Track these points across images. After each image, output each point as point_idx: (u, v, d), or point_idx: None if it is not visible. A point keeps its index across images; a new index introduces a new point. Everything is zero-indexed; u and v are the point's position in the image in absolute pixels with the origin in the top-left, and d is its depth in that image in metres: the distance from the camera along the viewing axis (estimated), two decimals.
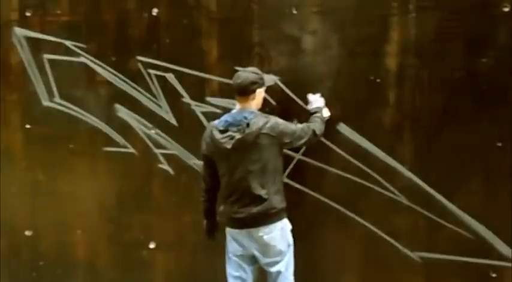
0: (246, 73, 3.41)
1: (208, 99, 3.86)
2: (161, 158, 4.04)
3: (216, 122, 3.44)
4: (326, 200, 3.71)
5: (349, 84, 3.62)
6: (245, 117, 3.34)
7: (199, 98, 3.91)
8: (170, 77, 3.94)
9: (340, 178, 3.67)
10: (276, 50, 3.73)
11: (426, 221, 3.52)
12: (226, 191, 3.43)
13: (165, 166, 4.04)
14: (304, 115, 3.62)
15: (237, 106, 3.44)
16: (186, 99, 3.93)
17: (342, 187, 3.70)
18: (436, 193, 3.52)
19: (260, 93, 3.48)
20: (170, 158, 4.03)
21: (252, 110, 3.39)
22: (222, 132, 3.37)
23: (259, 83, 3.41)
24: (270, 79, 3.71)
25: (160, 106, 4.00)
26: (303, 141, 3.46)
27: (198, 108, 3.92)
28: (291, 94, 3.72)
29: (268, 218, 3.36)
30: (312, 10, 3.72)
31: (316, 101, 3.64)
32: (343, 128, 3.63)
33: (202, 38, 3.87)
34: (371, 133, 3.63)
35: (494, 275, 3.40)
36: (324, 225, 3.74)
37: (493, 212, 3.39)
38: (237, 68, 3.76)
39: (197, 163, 3.95)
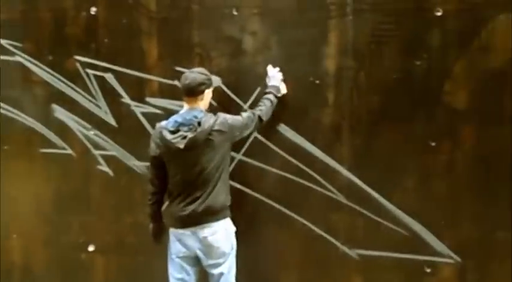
0: (194, 74, 3.40)
1: (148, 99, 3.83)
2: (100, 160, 3.99)
3: (164, 123, 3.41)
4: (266, 200, 3.73)
5: (289, 85, 3.66)
6: (195, 116, 3.34)
7: (139, 98, 3.88)
8: (109, 77, 3.90)
9: (280, 178, 3.69)
10: (216, 51, 3.74)
11: (364, 219, 3.60)
12: (175, 191, 3.41)
13: (104, 168, 3.99)
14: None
15: (185, 107, 3.42)
16: (126, 99, 3.88)
17: (282, 187, 3.72)
18: (373, 192, 3.61)
19: (208, 94, 3.47)
20: (109, 160, 3.98)
21: (201, 109, 3.39)
22: (172, 132, 3.36)
23: (207, 84, 3.41)
24: (217, 80, 3.71)
25: (99, 107, 3.94)
26: (250, 130, 3.50)
27: (138, 108, 3.88)
28: (231, 95, 3.73)
29: (213, 215, 3.35)
30: (252, 11, 3.75)
31: (273, 76, 3.62)
32: (283, 129, 3.67)
33: (142, 37, 3.84)
34: (310, 133, 3.68)
35: (428, 270, 3.51)
36: (264, 225, 3.75)
37: (427, 209, 3.49)
38: (178, 68, 3.77)
39: (137, 164, 3.92)
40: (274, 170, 3.76)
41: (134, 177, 3.91)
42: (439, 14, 3.42)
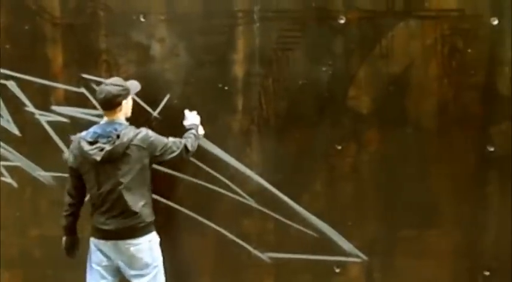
0: (108, 87, 3.32)
1: (54, 107, 3.73)
2: (3, 171, 3.83)
3: (83, 133, 3.33)
4: (178, 207, 3.71)
5: (198, 92, 3.67)
6: (115, 129, 3.28)
7: (44, 106, 3.76)
8: (11, 84, 3.76)
9: (191, 185, 3.68)
10: (123, 58, 3.70)
11: (275, 222, 3.66)
12: (95, 203, 3.33)
13: (7, 179, 3.84)
14: (155, 122, 3.62)
15: (105, 118, 3.35)
16: (30, 108, 3.76)
17: (194, 193, 3.71)
18: (283, 195, 3.68)
19: (127, 103, 3.41)
20: (13, 170, 3.83)
21: (121, 122, 3.33)
22: (91, 143, 3.28)
23: (123, 95, 3.34)
24: (135, 85, 3.62)
25: (0, 115, 3.81)
26: (174, 154, 3.40)
27: (43, 117, 3.79)
28: (140, 102, 3.70)
29: (136, 231, 3.30)
30: (159, 18, 3.73)
31: (192, 117, 3.61)
32: None
33: (46, 44, 3.73)
34: (220, 139, 3.71)
35: (337, 270, 3.61)
36: (177, 232, 3.72)
37: (335, 210, 3.61)
38: (84, 75, 3.68)
39: (43, 174, 3.81)
40: (186, 177, 3.76)
41: (40, 188, 3.80)
42: (342, 22, 3.53)
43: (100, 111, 3.45)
